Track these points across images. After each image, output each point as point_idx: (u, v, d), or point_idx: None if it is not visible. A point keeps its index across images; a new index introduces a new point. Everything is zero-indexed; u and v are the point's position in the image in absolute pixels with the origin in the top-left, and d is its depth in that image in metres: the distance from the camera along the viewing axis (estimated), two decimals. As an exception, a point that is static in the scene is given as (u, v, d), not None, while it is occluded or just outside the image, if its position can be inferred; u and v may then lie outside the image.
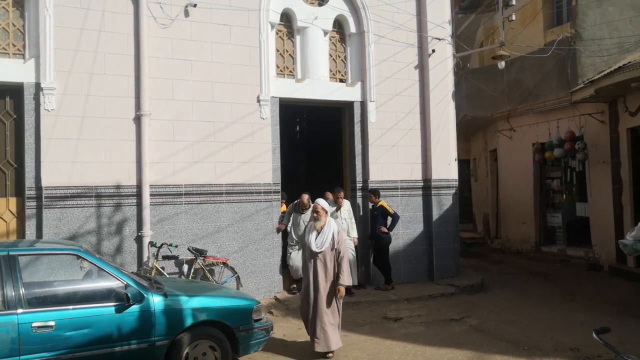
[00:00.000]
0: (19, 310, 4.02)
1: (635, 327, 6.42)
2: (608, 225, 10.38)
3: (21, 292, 4.09)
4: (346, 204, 8.49)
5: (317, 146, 13.16)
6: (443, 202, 9.51)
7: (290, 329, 6.70)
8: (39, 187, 6.85)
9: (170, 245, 7.18)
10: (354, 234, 8.45)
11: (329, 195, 8.43)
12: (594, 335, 2.81)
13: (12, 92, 7.01)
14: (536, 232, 12.80)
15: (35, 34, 6.97)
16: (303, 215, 8.37)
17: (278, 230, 8.37)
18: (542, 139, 12.12)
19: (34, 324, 4.03)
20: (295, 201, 8.59)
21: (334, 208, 8.25)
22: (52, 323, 4.10)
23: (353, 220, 8.54)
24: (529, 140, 12.79)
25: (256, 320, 5.11)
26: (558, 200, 12.69)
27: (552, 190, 12.90)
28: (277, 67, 8.65)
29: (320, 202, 5.91)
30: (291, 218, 8.51)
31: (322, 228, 5.77)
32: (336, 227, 5.83)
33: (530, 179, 12.98)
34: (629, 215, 9.88)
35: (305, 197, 8.38)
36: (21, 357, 3.95)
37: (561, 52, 10.86)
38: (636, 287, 8.91)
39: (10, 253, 4.22)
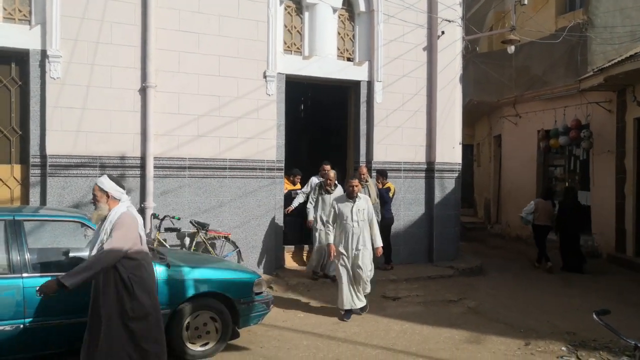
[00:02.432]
0: (24, 275, 4.08)
1: (631, 314, 6.47)
2: (609, 215, 10.39)
3: (26, 256, 4.13)
4: (362, 198, 6.30)
5: (321, 125, 13.10)
6: (445, 186, 9.52)
7: (290, 304, 6.78)
8: (43, 155, 6.86)
9: (173, 217, 7.21)
10: (378, 241, 6.32)
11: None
12: (595, 316, 2.85)
13: (17, 59, 6.97)
14: (536, 219, 12.80)
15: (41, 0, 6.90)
16: (331, 195, 7.56)
17: (289, 212, 8.33)
18: (548, 126, 12.05)
19: (39, 288, 4.08)
20: (317, 181, 8.20)
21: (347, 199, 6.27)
22: (56, 288, 4.13)
23: (374, 219, 6.36)
24: (534, 127, 12.73)
25: (257, 294, 5.17)
26: (560, 188, 12.68)
27: (555, 177, 12.89)
28: (285, 43, 8.57)
29: (99, 181, 3.93)
30: (317, 201, 7.80)
31: (103, 221, 3.89)
32: (120, 210, 3.84)
33: (534, 165, 12.96)
34: (631, 205, 9.89)
35: (332, 173, 7.72)
36: (26, 320, 4.01)
37: (572, 39, 10.73)
38: (633, 275, 8.98)
39: (16, 218, 4.26)
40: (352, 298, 6.19)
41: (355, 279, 6.22)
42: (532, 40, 11.47)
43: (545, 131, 12.18)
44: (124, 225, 3.78)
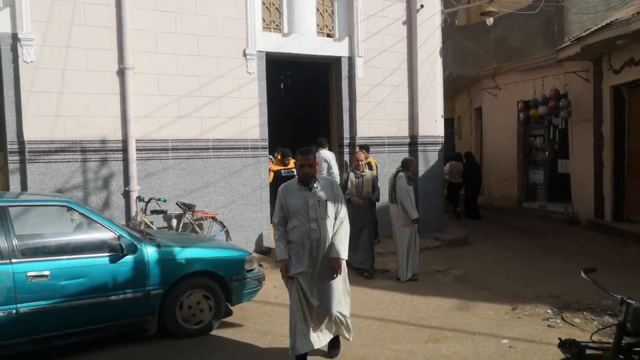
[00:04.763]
0: (14, 260, 4.02)
1: (612, 276, 6.66)
2: (588, 182, 10.65)
3: (14, 242, 4.07)
4: (321, 183, 4.09)
5: (303, 103, 13.05)
6: (429, 159, 9.61)
7: (279, 280, 6.74)
8: (21, 142, 6.69)
9: (159, 199, 7.16)
10: (340, 251, 3.97)
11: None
12: (582, 274, 2.93)
13: (-13, 43, 6.74)
14: (518, 189, 13.09)
15: (9, -20, 6.64)
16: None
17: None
18: (527, 97, 12.21)
19: (29, 274, 4.04)
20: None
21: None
22: (46, 272, 4.11)
23: (343, 214, 4.10)
24: (514, 98, 12.88)
25: (248, 271, 5.20)
26: (540, 158, 12.93)
27: (535, 147, 13.12)
28: (264, 20, 8.44)
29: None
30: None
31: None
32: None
33: (514, 136, 13.16)
34: (608, 171, 10.14)
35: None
36: (18, 305, 3.98)
37: (548, 10, 10.81)
38: (613, 239, 9.26)
39: (1, 204, 4.17)
40: (310, 336, 3.99)
41: (316, 315, 4.04)
42: (509, 11, 11.51)
43: (524, 102, 12.34)
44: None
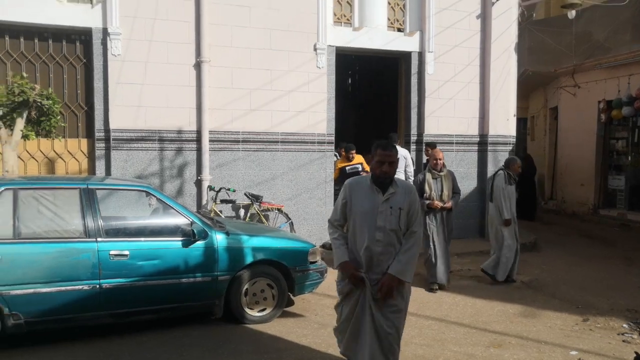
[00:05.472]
0: (99, 239, 4.37)
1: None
2: (676, 190, 9.87)
3: (100, 223, 4.42)
4: (400, 187, 3.41)
5: (369, 98, 13.01)
6: (499, 159, 9.25)
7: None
8: (107, 130, 7.21)
9: (229, 189, 7.45)
10: (398, 267, 3.31)
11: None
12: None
13: (81, 37, 7.30)
14: (595, 195, 12.32)
15: (101, -21, 7.13)
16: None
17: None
18: (610, 97, 11.45)
19: (111, 252, 4.38)
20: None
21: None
22: (126, 252, 4.43)
23: (417, 226, 3.41)
24: (595, 98, 12.12)
25: (311, 263, 5.31)
26: (622, 162, 12.10)
27: (616, 151, 12.28)
28: (335, 14, 8.51)
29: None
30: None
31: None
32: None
33: (593, 138, 12.39)
34: (700, 179, 9.34)
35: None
36: (101, 280, 4.33)
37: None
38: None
39: (89, 186, 4.53)
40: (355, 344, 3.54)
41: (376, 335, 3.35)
42: (594, 3, 10.83)
43: (607, 102, 11.58)
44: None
